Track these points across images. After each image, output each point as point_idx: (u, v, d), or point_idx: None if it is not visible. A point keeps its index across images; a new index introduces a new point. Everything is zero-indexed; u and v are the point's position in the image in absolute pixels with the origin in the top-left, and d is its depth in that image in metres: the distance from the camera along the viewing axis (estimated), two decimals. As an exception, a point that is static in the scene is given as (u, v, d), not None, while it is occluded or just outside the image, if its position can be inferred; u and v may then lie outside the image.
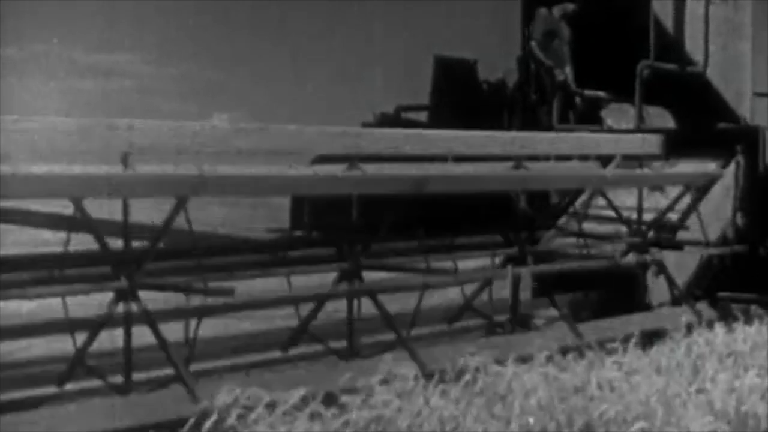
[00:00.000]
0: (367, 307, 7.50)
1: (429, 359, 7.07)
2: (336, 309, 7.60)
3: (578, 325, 8.41)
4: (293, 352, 7.48)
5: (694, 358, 7.64)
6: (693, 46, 11.97)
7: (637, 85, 11.38)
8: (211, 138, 6.69)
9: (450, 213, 8.32)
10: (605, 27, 11.71)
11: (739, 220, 10.77)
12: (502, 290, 8.67)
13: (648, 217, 9.78)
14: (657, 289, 9.71)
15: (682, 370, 7.31)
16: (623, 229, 9.62)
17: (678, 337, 8.21)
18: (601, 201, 9.61)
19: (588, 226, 9.70)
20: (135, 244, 6.35)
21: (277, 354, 7.42)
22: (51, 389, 6.30)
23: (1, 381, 6.29)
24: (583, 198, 9.95)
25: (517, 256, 8.57)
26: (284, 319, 7.63)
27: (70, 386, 6.34)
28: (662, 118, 11.89)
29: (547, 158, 9.27)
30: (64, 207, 6.26)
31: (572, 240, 9.57)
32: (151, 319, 6.22)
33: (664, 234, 9.85)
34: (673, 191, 10.05)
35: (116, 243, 6.30)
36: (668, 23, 11.83)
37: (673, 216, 9.98)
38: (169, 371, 6.30)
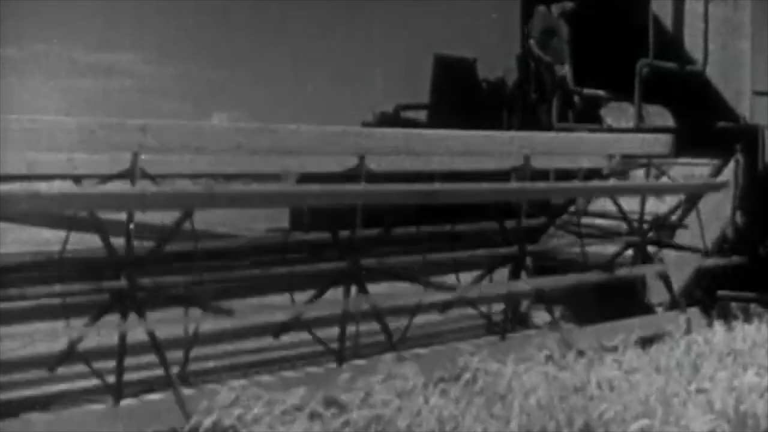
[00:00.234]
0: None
1: (428, 359, 7.07)
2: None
3: (578, 329, 8.42)
4: (293, 352, 7.49)
5: (693, 357, 7.65)
6: (692, 44, 11.95)
7: (637, 83, 11.36)
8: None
9: (450, 209, 8.36)
10: (604, 25, 11.68)
11: (739, 218, 10.78)
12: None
13: (648, 214, 9.77)
14: (657, 287, 9.70)
15: (682, 369, 7.32)
16: (623, 226, 9.62)
17: (677, 336, 8.22)
18: (600, 200, 9.62)
19: (588, 225, 9.69)
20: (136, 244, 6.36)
21: (275, 354, 7.44)
22: (48, 389, 6.31)
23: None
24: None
25: (517, 255, 8.56)
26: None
27: (63, 386, 6.35)
28: (662, 116, 11.86)
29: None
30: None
31: (572, 239, 9.55)
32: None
33: (663, 233, 9.84)
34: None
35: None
36: (667, 21, 11.81)
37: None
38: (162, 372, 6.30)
